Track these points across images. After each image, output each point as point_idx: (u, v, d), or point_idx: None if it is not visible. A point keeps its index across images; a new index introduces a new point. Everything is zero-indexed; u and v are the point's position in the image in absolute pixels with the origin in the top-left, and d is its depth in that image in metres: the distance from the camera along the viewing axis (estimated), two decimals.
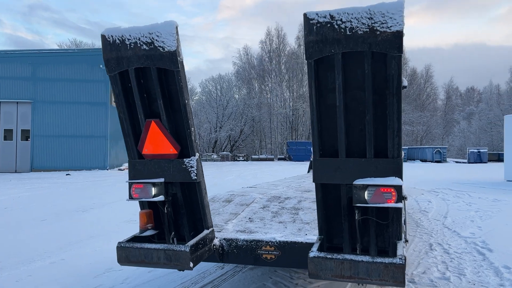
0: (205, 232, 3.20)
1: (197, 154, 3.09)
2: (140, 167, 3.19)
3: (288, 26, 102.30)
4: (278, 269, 4.47)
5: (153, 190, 3.13)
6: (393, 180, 2.67)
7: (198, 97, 64.35)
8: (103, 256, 5.26)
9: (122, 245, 3.08)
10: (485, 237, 6.05)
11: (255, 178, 19.06)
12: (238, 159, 48.01)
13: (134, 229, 7.03)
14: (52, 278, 4.35)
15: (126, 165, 27.45)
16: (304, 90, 59.94)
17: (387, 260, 2.55)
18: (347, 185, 2.81)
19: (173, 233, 3.30)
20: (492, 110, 61.76)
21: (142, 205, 3.35)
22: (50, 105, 25.51)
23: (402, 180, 2.68)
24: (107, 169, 25.46)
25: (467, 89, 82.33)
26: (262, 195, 4.68)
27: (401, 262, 2.51)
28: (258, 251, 3.28)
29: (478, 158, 39.82)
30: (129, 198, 3.21)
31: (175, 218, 3.33)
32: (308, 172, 10.49)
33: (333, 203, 2.98)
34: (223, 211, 4.14)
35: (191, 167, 3.06)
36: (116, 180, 17.98)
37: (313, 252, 2.71)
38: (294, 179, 7.66)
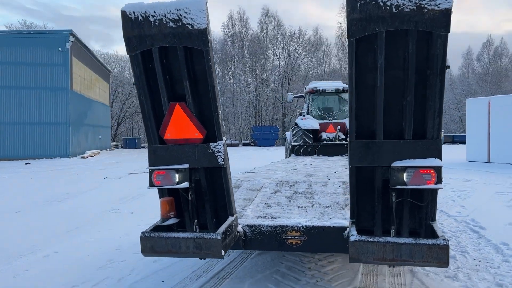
0: (231, 219, 3.09)
1: (224, 138, 2.96)
2: (162, 153, 3.02)
3: (250, 10, 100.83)
4: (287, 254, 4.43)
5: (177, 177, 2.98)
6: (433, 161, 2.66)
7: None
8: (98, 246, 5.03)
9: (147, 235, 2.90)
10: (473, 216, 6.29)
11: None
12: None
13: (119, 218, 6.81)
14: (52, 272, 4.09)
15: (89, 152, 26.49)
16: (267, 75, 59.79)
17: (430, 241, 2.54)
18: (383, 167, 2.78)
19: (195, 220, 3.17)
20: (445, 94, 64.25)
21: (162, 192, 3.19)
22: (5, 90, 23.95)
23: (441, 160, 2.67)
24: (69, 157, 24.40)
25: None
26: (268, 179, 4.60)
27: (445, 243, 2.52)
28: (283, 237, 3.21)
29: None
30: (150, 186, 3.04)
31: (197, 205, 3.19)
32: (289, 157, 10.48)
33: (365, 185, 2.94)
34: (235, 197, 4.01)
35: (218, 152, 2.93)
36: (82, 168, 17.29)
37: (354, 236, 2.66)
38: (283, 163, 7.64)
